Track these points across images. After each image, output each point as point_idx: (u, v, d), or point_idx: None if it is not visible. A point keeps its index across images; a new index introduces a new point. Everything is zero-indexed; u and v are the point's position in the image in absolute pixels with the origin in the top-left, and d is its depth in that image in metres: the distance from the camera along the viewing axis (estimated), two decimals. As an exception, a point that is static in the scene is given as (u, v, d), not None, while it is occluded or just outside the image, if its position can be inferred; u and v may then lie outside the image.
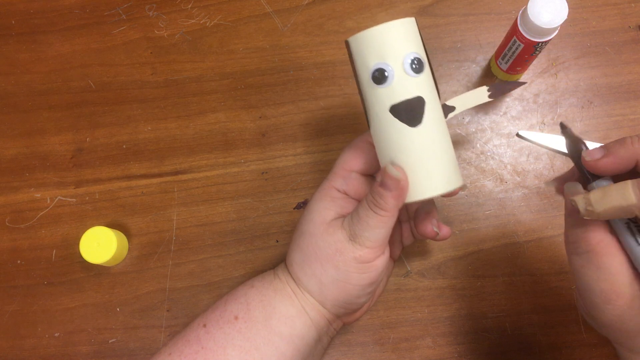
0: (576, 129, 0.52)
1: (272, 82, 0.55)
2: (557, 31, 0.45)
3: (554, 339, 0.47)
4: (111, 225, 0.51)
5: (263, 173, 0.53)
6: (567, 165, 0.51)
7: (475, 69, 0.55)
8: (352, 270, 0.38)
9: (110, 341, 0.49)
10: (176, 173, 0.53)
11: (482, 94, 0.39)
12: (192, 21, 0.57)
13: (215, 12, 0.57)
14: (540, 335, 0.48)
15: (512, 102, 0.54)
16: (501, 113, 0.53)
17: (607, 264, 0.29)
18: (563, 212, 0.50)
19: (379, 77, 0.34)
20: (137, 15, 0.58)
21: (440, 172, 0.35)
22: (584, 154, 0.31)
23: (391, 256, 0.43)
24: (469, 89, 0.54)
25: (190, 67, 0.56)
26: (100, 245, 0.48)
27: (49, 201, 0.53)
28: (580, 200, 0.29)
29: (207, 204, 0.52)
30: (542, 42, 0.46)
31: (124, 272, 0.51)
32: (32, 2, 0.59)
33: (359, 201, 0.40)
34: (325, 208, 0.39)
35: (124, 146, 0.54)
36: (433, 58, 0.55)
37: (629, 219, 0.29)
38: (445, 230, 0.41)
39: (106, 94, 0.56)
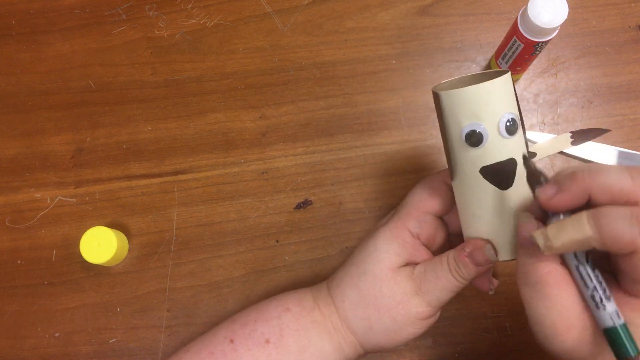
0: (576, 128, 0.52)
1: (272, 82, 0.55)
2: (557, 31, 0.45)
3: (554, 339, 0.47)
4: (111, 225, 0.51)
5: (263, 173, 0.53)
6: (568, 165, 0.51)
7: (476, 69, 0.55)
8: (408, 324, 0.37)
9: (110, 341, 0.49)
10: (176, 173, 0.53)
11: (565, 141, 0.37)
12: (192, 21, 0.57)
13: (215, 12, 0.57)
14: (540, 335, 0.48)
15: (512, 102, 0.54)
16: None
17: (556, 296, 0.28)
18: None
19: (472, 138, 0.32)
20: (137, 15, 0.58)
21: None
22: (537, 192, 0.30)
23: None
24: (469, 89, 0.54)
25: (190, 67, 0.56)
26: (100, 245, 0.48)
27: (49, 201, 0.53)
28: (538, 236, 0.28)
29: (207, 204, 0.52)
30: (542, 42, 0.46)
31: (124, 272, 0.51)
32: (32, 2, 0.59)
33: (427, 246, 0.39)
34: (396, 253, 0.37)
35: (124, 146, 0.54)
36: (433, 58, 0.55)
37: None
38: (495, 284, 0.40)
39: (106, 94, 0.56)
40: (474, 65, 0.55)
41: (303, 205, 0.52)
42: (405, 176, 0.52)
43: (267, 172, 0.53)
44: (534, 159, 0.37)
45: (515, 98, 0.33)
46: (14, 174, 0.54)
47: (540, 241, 0.28)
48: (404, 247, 0.38)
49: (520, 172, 0.33)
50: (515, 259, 0.33)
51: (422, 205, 0.38)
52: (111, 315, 0.50)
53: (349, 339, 0.39)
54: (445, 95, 0.33)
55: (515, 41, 0.47)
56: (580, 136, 0.38)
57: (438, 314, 0.38)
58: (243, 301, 0.50)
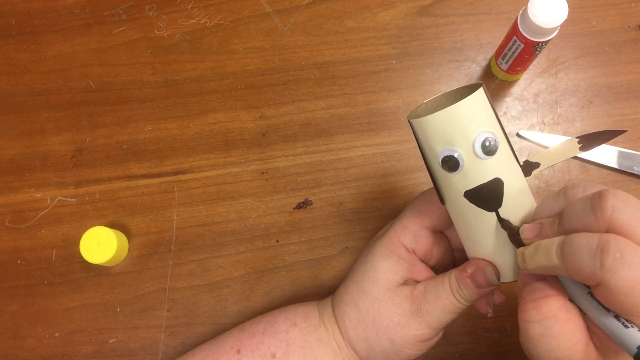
0: (576, 128, 0.52)
1: (272, 82, 0.55)
2: (557, 31, 0.45)
3: (554, 339, 0.47)
4: (111, 225, 0.51)
5: (263, 173, 0.53)
6: (567, 165, 0.51)
7: (476, 69, 0.55)
8: (407, 346, 0.36)
9: (110, 341, 0.49)
10: (176, 173, 0.53)
11: (571, 147, 0.35)
12: (192, 21, 0.57)
13: (215, 12, 0.57)
14: (540, 335, 0.48)
15: (512, 102, 0.54)
16: (501, 113, 0.53)
17: (568, 332, 0.27)
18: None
19: (449, 164, 0.31)
20: (137, 15, 0.58)
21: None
22: (520, 233, 0.29)
23: None
24: (469, 89, 0.54)
25: (190, 67, 0.56)
26: (100, 245, 0.48)
27: (49, 201, 0.53)
28: (519, 254, 0.28)
29: (207, 204, 0.52)
30: (542, 42, 0.46)
31: (124, 272, 0.51)
32: (32, 2, 0.59)
33: (424, 261, 0.38)
34: (392, 271, 0.37)
35: (124, 146, 0.54)
36: (433, 58, 0.55)
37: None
38: (497, 300, 0.38)
39: (106, 94, 0.56)
40: (474, 65, 0.55)
41: (303, 205, 0.52)
42: (405, 176, 0.52)
43: (267, 172, 0.53)
44: (539, 170, 0.35)
45: (492, 114, 0.32)
46: (14, 174, 0.54)
47: (519, 259, 0.28)
48: (400, 263, 0.37)
49: (511, 188, 0.31)
50: (512, 281, 0.33)
51: (419, 220, 0.37)
52: (111, 315, 0.50)
53: (352, 357, 0.38)
54: (415, 123, 0.32)
55: (515, 41, 0.47)
56: (589, 141, 0.34)
57: (440, 335, 0.37)
58: (243, 301, 0.50)
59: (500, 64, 0.52)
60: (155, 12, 0.58)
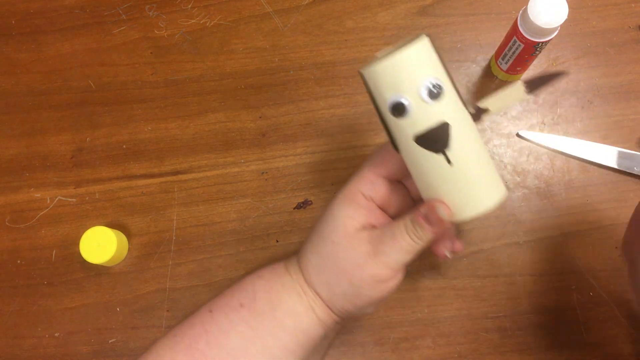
0: (576, 128, 0.52)
1: (272, 82, 0.55)
2: (557, 31, 0.45)
3: (553, 339, 0.47)
4: (111, 225, 0.51)
5: (263, 173, 0.53)
6: (567, 165, 0.51)
7: (476, 69, 0.55)
8: (366, 287, 0.37)
9: (110, 341, 0.49)
10: (176, 173, 0.53)
11: (518, 91, 0.36)
12: (192, 21, 0.57)
13: (215, 12, 0.57)
14: (540, 335, 0.48)
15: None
16: (501, 113, 0.53)
17: None
18: (562, 213, 0.51)
19: (398, 110, 0.33)
20: (137, 15, 0.58)
21: (479, 191, 0.34)
22: None
23: None
24: (469, 89, 0.54)
25: (190, 67, 0.56)
26: (100, 245, 0.48)
27: (49, 201, 0.53)
28: None
29: (207, 204, 0.52)
30: (542, 42, 0.46)
31: (124, 272, 0.51)
32: (32, 2, 0.59)
33: (382, 209, 0.40)
34: (350, 216, 0.38)
35: (124, 146, 0.54)
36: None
37: None
38: (456, 247, 0.40)
39: (106, 94, 0.56)
40: (474, 65, 0.55)
41: (303, 205, 0.52)
42: (405, 176, 0.52)
43: (267, 172, 0.53)
44: (488, 115, 0.36)
45: (438, 62, 0.33)
46: (14, 174, 0.54)
47: None
48: (357, 210, 0.38)
49: (458, 131, 0.33)
50: (465, 220, 0.34)
51: (376, 169, 0.39)
52: (111, 315, 0.50)
53: (317, 302, 0.40)
54: (365, 73, 0.34)
55: (515, 41, 0.47)
56: (534, 83, 0.36)
57: (399, 278, 0.38)
58: (243, 301, 0.50)
59: (501, 64, 0.52)
60: (155, 12, 0.58)
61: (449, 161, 0.33)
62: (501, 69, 0.52)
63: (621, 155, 0.51)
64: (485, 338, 0.48)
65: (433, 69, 0.33)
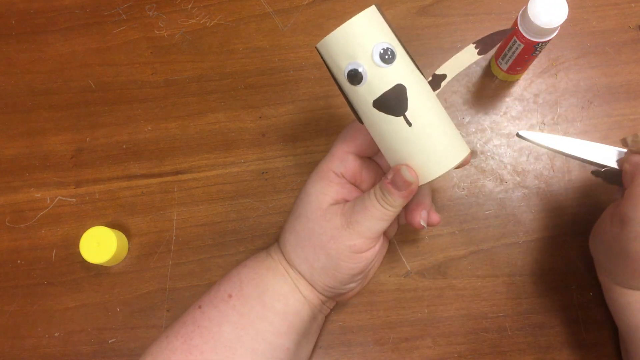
0: (576, 128, 0.52)
1: (272, 82, 0.55)
2: (557, 31, 0.45)
3: (554, 339, 0.47)
4: (111, 225, 0.51)
5: (263, 173, 0.53)
6: (568, 164, 0.51)
7: (476, 69, 0.55)
8: (343, 258, 0.38)
9: (110, 341, 0.49)
10: (176, 173, 0.53)
11: (470, 53, 0.38)
12: (192, 21, 0.57)
13: (215, 12, 0.57)
14: (540, 335, 0.48)
15: (512, 102, 0.54)
16: (501, 113, 0.53)
17: None
18: (562, 213, 0.50)
19: (354, 77, 0.34)
20: (137, 15, 0.58)
21: (442, 150, 0.35)
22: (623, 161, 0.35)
23: (386, 235, 0.44)
24: (469, 89, 0.54)
25: (190, 67, 0.56)
26: (100, 245, 0.48)
27: (49, 201, 0.53)
28: (629, 138, 0.33)
29: (207, 204, 0.52)
30: (542, 42, 0.46)
31: (124, 272, 0.51)
32: (32, 2, 0.59)
33: (355, 185, 0.41)
34: (322, 192, 0.39)
35: (124, 146, 0.54)
36: (433, 58, 0.55)
37: None
38: (433, 219, 0.41)
39: (106, 94, 0.56)
40: (474, 65, 0.55)
41: (303, 205, 0.52)
42: (405, 176, 0.52)
43: (267, 172, 0.53)
44: (446, 80, 0.37)
45: (388, 27, 0.35)
46: (14, 174, 0.54)
47: (629, 140, 0.33)
48: (329, 186, 0.39)
49: (414, 93, 0.34)
50: (430, 181, 0.35)
51: (344, 147, 0.40)
52: (111, 315, 0.50)
53: (301, 281, 0.40)
54: (320, 46, 0.35)
55: (515, 41, 0.47)
56: (484, 43, 0.37)
57: (375, 247, 0.39)
58: (243, 301, 0.50)
59: (500, 64, 0.52)
60: (155, 12, 0.58)
61: (409, 123, 0.34)
62: (501, 69, 0.52)
63: (621, 155, 0.51)
64: (485, 338, 0.48)
65: (383, 34, 0.34)
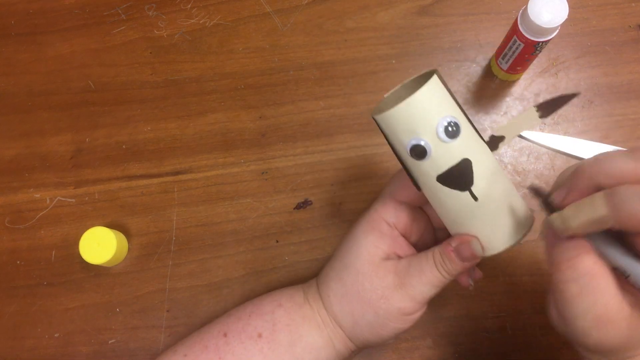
0: (577, 128, 0.52)
1: (272, 82, 0.55)
2: (557, 31, 0.45)
3: (554, 339, 0.47)
4: (111, 225, 0.51)
5: (263, 173, 0.53)
6: (568, 164, 0.51)
7: (476, 69, 0.55)
8: (392, 319, 0.37)
9: (110, 341, 0.49)
10: (176, 173, 0.53)
11: (532, 118, 0.36)
12: (192, 21, 0.57)
13: (215, 12, 0.57)
14: (540, 335, 0.48)
15: (512, 102, 0.53)
16: (501, 113, 0.53)
17: (604, 287, 0.28)
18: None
19: (417, 153, 0.32)
20: (136, 15, 0.58)
21: (508, 224, 0.33)
22: (550, 200, 0.30)
23: None
24: (469, 88, 0.54)
25: (190, 67, 0.56)
26: (100, 245, 0.48)
27: (48, 201, 0.53)
28: (555, 218, 0.29)
29: (207, 204, 0.52)
30: (543, 42, 0.46)
31: (124, 273, 0.51)
32: (32, 2, 0.59)
33: (405, 237, 0.39)
34: (374, 245, 0.37)
35: (124, 146, 0.54)
36: (433, 58, 0.55)
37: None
38: (477, 276, 0.40)
39: (106, 94, 0.56)
40: (474, 65, 0.55)
41: (303, 205, 0.52)
42: (405, 176, 0.52)
43: (267, 172, 0.53)
44: (505, 142, 0.36)
45: (450, 97, 0.33)
46: (14, 174, 0.54)
47: (556, 223, 0.28)
48: (382, 238, 0.38)
49: (479, 166, 0.32)
50: (497, 254, 0.34)
51: (397, 195, 0.38)
52: (111, 316, 0.50)
53: (338, 333, 0.39)
54: (379, 119, 0.33)
55: (515, 41, 0.47)
56: (547, 107, 0.36)
57: (424, 310, 0.38)
58: (243, 302, 0.50)
59: (501, 63, 0.52)
60: (155, 12, 0.58)
61: (475, 197, 0.33)
62: (501, 69, 0.52)
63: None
64: (485, 338, 0.48)
65: (447, 107, 0.32)
